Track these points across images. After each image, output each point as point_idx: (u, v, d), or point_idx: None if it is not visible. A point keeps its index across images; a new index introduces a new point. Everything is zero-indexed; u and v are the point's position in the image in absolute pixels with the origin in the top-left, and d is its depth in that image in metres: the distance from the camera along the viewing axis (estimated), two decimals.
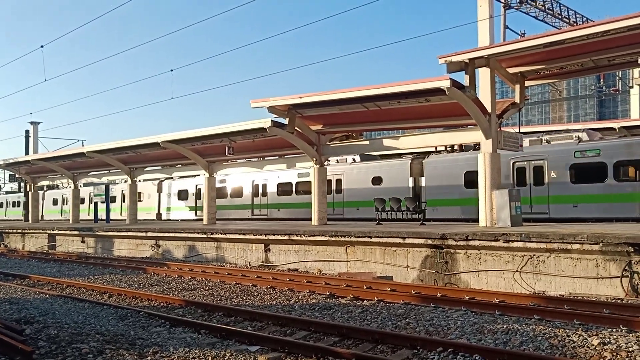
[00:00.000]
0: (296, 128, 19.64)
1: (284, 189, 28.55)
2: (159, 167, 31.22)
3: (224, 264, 19.42)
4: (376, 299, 11.27)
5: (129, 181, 30.93)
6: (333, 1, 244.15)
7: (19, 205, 50.46)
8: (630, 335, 7.70)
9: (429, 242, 13.97)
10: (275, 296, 12.22)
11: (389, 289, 12.21)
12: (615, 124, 25.21)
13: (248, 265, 18.79)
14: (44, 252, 27.87)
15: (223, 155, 23.35)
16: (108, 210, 34.34)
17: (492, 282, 12.87)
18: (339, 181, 25.67)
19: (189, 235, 21.74)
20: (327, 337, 8.35)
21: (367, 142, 21.22)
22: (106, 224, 30.88)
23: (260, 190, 29.82)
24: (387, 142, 19.39)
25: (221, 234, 20.27)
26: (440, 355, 7.02)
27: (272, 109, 18.88)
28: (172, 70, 29.29)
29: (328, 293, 12.12)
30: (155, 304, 11.74)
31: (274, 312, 10.08)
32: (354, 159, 26.06)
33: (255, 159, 26.35)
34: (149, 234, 23.90)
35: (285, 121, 19.34)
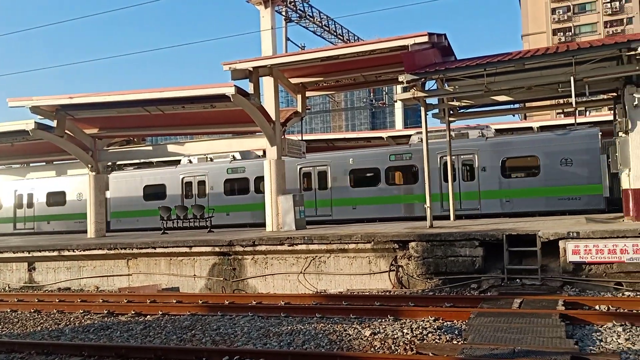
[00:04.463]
0: (67, 131, 17.59)
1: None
2: None
3: None
4: (160, 312, 10.67)
5: None
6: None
7: None
8: (396, 323, 8.57)
9: (217, 249, 13.75)
10: (41, 321, 10.74)
11: (174, 301, 11.75)
12: (384, 134, 28.32)
13: (7, 288, 16.23)
14: None
15: None
16: None
17: (278, 285, 13.22)
18: None
19: None
20: None
21: (150, 148, 20.10)
22: None
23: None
24: (171, 147, 18.59)
25: None
26: None
27: (36, 110, 16.62)
28: None
29: (106, 311, 11.10)
30: None
31: (38, 340, 8.78)
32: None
33: (18, 166, 22.89)
34: None
35: (53, 123, 17.17)
